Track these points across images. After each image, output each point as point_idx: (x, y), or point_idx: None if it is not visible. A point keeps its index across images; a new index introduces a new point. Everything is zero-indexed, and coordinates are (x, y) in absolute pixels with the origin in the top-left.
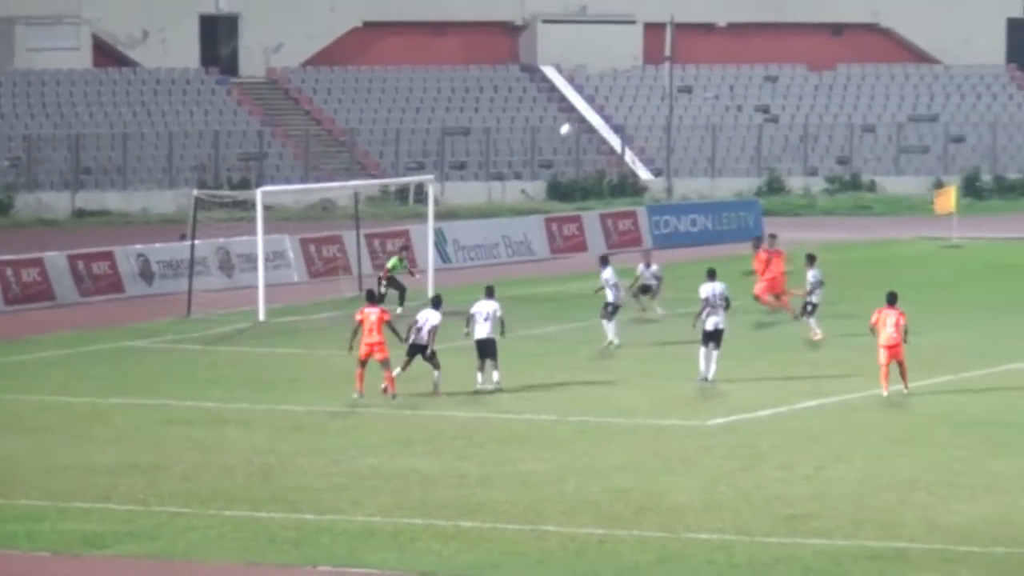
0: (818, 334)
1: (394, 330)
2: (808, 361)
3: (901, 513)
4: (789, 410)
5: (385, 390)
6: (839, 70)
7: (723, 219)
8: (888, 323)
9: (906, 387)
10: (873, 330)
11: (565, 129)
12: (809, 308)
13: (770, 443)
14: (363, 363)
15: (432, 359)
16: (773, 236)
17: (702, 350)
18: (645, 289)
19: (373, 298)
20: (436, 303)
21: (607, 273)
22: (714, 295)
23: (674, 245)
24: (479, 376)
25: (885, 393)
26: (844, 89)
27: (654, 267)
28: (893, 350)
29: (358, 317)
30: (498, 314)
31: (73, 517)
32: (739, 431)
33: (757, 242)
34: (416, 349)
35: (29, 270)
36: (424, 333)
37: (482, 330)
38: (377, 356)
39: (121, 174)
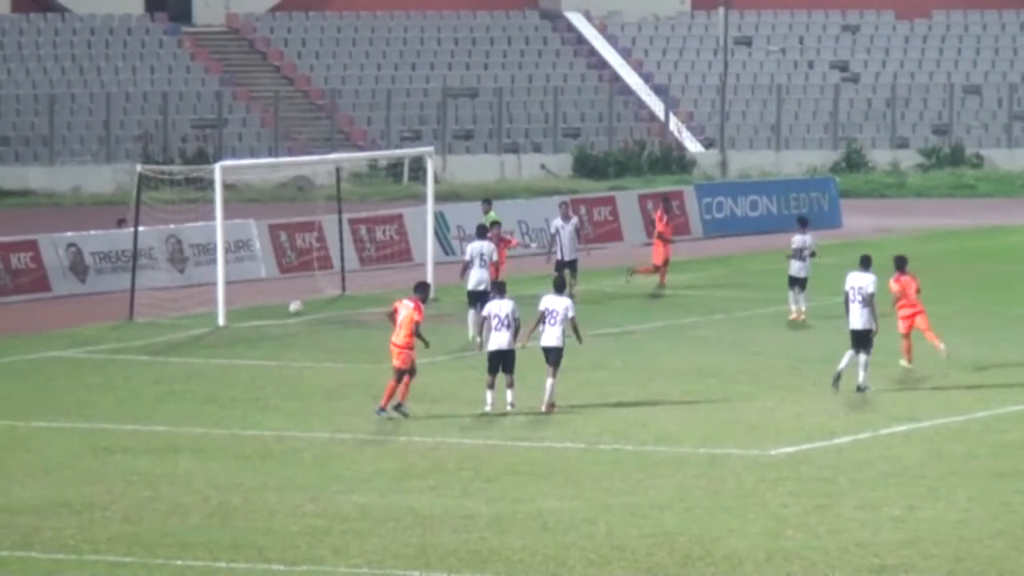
0: (793, 312)
1: (420, 335)
2: (896, 377)
3: (1015, 563)
4: (873, 436)
5: (398, 405)
6: (935, 17)
7: (791, 201)
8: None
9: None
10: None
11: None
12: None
13: (850, 477)
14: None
15: (510, 365)
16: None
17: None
18: (565, 265)
19: (424, 290)
20: (501, 289)
21: (477, 246)
22: (853, 288)
23: (730, 233)
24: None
25: (908, 364)
26: (941, 41)
27: (574, 220)
28: (911, 319)
29: (394, 306)
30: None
31: None
32: (811, 462)
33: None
34: (501, 356)
35: None
36: (508, 330)
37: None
38: (395, 361)
39: (47, 145)
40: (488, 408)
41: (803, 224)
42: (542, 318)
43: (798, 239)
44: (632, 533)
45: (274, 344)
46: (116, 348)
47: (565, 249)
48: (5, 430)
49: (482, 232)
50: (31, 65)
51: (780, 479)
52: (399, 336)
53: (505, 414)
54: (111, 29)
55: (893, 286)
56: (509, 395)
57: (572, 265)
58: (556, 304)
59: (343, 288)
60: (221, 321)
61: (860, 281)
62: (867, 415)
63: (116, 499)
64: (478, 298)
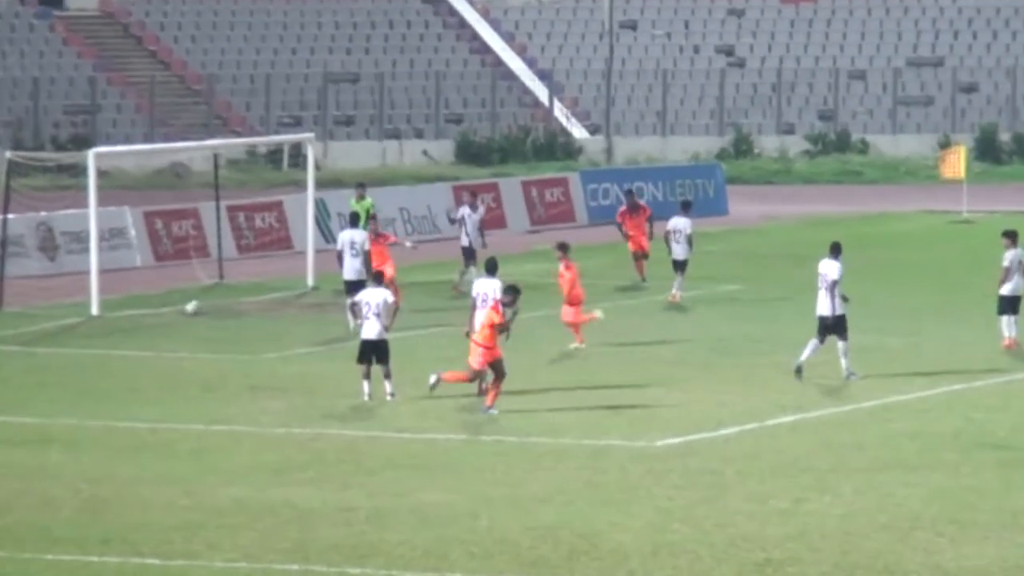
0: (676, 295)
1: (501, 331)
2: (782, 366)
3: (900, 557)
4: (760, 427)
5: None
6: (820, 2)
7: (677, 188)
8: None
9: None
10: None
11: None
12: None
13: (736, 469)
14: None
15: (384, 355)
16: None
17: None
18: (468, 252)
19: (511, 292)
20: (378, 279)
21: (348, 234)
22: (820, 275)
23: (615, 220)
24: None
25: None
26: (827, 26)
27: (481, 210)
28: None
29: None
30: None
31: None
32: (697, 454)
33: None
34: (372, 346)
35: None
36: (379, 320)
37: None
38: (473, 360)
39: None
40: (366, 398)
41: (685, 208)
42: (475, 303)
43: (672, 222)
44: (514, 527)
45: (149, 334)
46: None
47: (471, 237)
48: None
49: (354, 220)
50: None
51: (666, 471)
52: (480, 335)
53: (381, 405)
54: None
55: (565, 274)
56: (387, 386)
57: (472, 254)
58: (487, 287)
59: (220, 276)
60: (95, 310)
61: (825, 268)
62: (754, 405)
63: None
64: (355, 287)
